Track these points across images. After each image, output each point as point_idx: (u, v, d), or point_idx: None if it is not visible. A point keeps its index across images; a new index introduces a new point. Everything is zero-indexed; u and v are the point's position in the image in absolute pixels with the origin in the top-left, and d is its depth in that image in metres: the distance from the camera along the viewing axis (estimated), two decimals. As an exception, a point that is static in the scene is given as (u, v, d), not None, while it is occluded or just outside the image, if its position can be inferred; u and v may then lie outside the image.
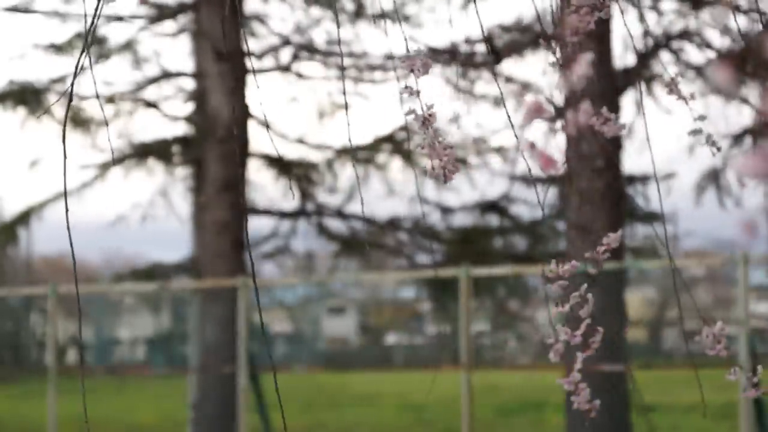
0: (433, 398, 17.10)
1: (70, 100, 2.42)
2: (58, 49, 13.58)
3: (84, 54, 2.28)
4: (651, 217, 13.99)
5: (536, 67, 13.69)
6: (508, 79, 13.16)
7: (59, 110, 13.44)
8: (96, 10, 2.26)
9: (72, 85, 2.38)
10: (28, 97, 13.35)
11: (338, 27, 9.35)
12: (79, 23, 13.71)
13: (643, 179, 13.65)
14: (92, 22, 2.28)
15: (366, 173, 14.56)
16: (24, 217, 13.85)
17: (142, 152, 13.87)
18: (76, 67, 2.33)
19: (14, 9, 13.76)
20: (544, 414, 16.28)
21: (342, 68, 14.52)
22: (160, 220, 14.43)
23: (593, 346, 2.24)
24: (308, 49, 14.39)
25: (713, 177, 13.63)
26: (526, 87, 13.52)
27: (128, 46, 13.69)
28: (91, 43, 2.27)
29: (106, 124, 13.79)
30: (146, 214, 14.24)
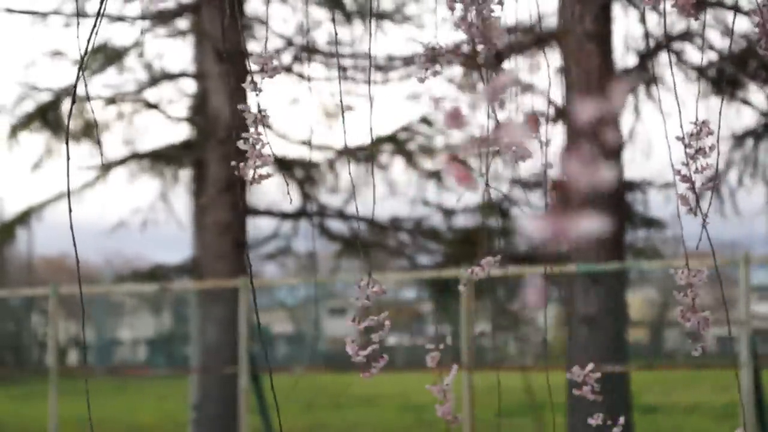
0: (433, 399, 17.08)
1: (74, 102, 2.42)
2: (65, 56, 13.61)
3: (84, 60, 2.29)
4: (651, 223, 13.99)
5: (537, 68, 13.67)
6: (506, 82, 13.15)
7: (63, 114, 13.46)
8: (98, 16, 2.27)
9: (75, 87, 2.38)
10: (48, 114, 13.37)
11: (333, 27, 9.35)
12: (83, 27, 13.69)
13: (642, 186, 13.63)
14: (94, 24, 2.29)
15: (367, 174, 14.56)
16: (24, 218, 13.85)
17: (143, 154, 13.88)
18: (80, 69, 2.33)
19: (20, 11, 13.77)
20: (545, 415, 16.26)
21: (342, 69, 14.51)
22: (161, 221, 14.44)
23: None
24: (310, 50, 14.39)
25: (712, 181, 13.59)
26: (527, 88, 13.47)
27: (130, 48, 13.69)
28: (89, 51, 2.28)
29: (96, 128, 13.78)
30: (147, 218, 14.26)
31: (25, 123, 13.43)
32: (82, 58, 2.31)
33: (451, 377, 2.33)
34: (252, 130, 2.27)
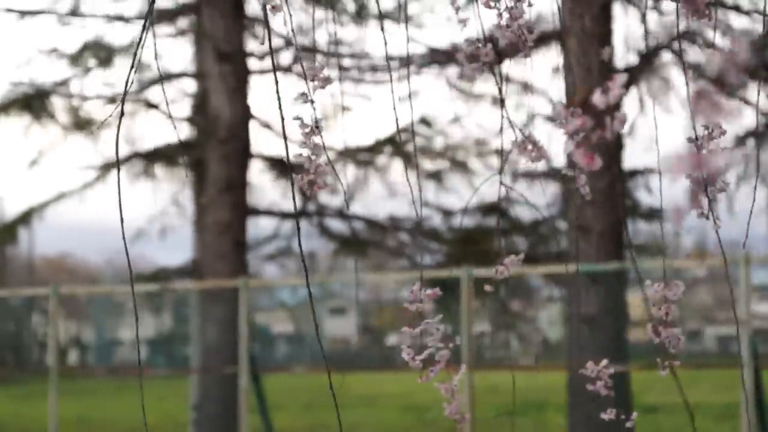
0: (434, 399, 17.08)
1: (68, 97, 2.42)
2: (68, 57, 13.60)
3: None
4: (652, 215, 13.97)
5: (539, 68, 13.69)
6: (509, 80, 13.15)
7: (62, 113, 13.45)
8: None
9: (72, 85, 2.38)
10: (33, 103, 13.35)
11: (333, 27, 9.34)
12: (84, 28, 13.75)
13: (645, 173, 13.60)
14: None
15: (366, 175, 14.56)
16: (25, 218, 13.84)
17: (143, 154, 13.88)
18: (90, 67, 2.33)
19: (19, 12, 13.76)
20: (546, 414, 16.29)
21: (342, 69, 14.50)
22: (161, 221, 14.43)
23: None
24: (310, 50, 14.38)
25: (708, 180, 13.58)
26: (527, 87, 13.49)
27: (130, 47, 13.69)
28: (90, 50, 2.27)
29: (87, 129, 13.77)
30: (156, 223, 14.27)
31: (6, 107, 13.38)
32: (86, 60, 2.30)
33: (459, 376, 2.33)
34: (307, 140, 2.26)
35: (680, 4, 2.25)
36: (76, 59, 13.59)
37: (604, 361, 2.28)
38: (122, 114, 2.27)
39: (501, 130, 2.08)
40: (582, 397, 9.52)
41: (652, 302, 2.27)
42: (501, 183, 2.48)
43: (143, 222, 14.27)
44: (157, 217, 14.41)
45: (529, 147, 2.13)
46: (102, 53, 13.67)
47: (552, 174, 13.44)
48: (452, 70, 13.71)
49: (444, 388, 2.29)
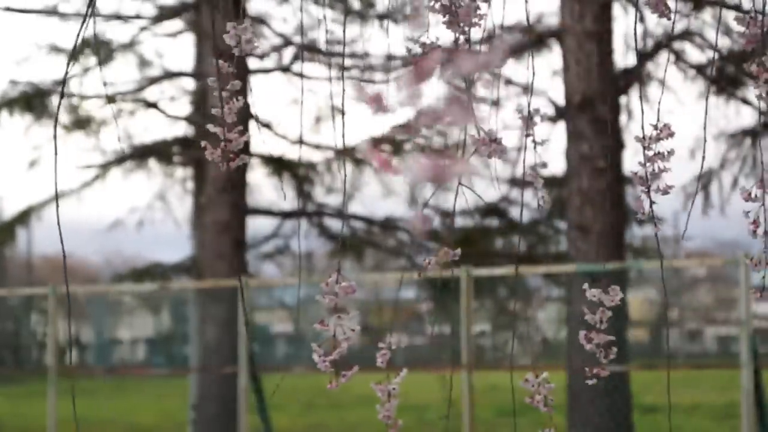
0: (433, 399, 17.09)
1: (62, 96, 2.41)
2: (62, 52, 13.58)
3: (72, 60, 2.27)
4: (651, 217, 13.94)
5: (538, 68, 13.68)
6: (508, 81, 13.14)
7: (62, 112, 13.43)
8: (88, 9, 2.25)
9: (64, 82, 2.37)
10: (33, 102, 13.34)
11: (333, 27, 9.32)
12: (80, 23, 13.70)
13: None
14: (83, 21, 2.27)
15: (365, 174, 14.55)
16: (23, 217, 13.82)
17: (142, 153, 13.87)
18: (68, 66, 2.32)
19: (17, 10, 13.75)
20: (545, 414, 16.20)
21: (343, 68, 14.49)
22: (161, 221, 14.43)
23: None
24: (309, 49, 14.38)
25: (706, 180, 13.58)
26: (526, 88, 13.47)
27: (130, 46, 13.68)
28: (80, 46, 2.26)
29: (97, 126, 13.76)
30: (146, 218, 14.25)
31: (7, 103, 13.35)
32: (70, 58, 2.29)
33: (399, 380, 2.29)
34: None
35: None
36: (75, 57, 13.58)
37: (610, 345, 2.23)
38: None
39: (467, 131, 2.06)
40: (581, 398, 9.51)
41: (587, 307, 2.23)
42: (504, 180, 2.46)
43: (140, 220, 14.26)
44: (155, 216, 14.39)
45: (489, 142, 2.11)
46: (103, 51, 13.66)
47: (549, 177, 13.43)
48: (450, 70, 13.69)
49: (379, 389, 2.24)
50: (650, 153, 2.22)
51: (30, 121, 13.45)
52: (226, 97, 2.03)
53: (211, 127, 2.02)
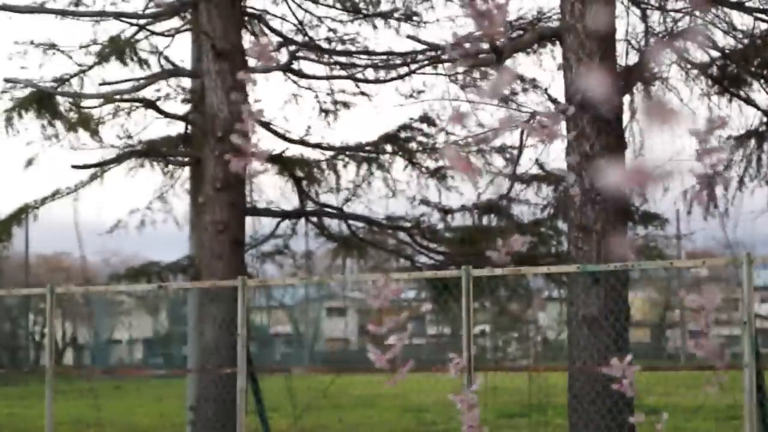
0: (433, 400, 17.02)
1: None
2: (60, 50, 13.53)
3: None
4: (650, 219, 13.89)
5: (541, 66, 13.61)
6: (520, 78, 13.10)
7: (61, 111, 13.37)
8: None
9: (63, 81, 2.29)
10: (43, 102, 13.26)
11: (333, 25, 9.24)
12: (82, 23, 13.67)
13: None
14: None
15: (368, 173, 14.48)
16: (19, 216, 13.72)
17: (141, 151, 13.79)
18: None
19: (17, 9, 13.67)
20: (546, 416, 16.19)
21: (344, 66, 14.40)
22: (160, 221, 14.37)
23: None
24: (309, 48, 14.30)
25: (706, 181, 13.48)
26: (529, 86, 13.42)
27: (128, 44, 13.60)
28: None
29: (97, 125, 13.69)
30: (145, 217, 14.20)
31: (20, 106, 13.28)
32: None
33: (476, 386, 2.22)
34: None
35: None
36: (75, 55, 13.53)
37: (629, 357, 2.16)
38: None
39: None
40: (583, 398, 9.45)
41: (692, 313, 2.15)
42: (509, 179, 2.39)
43: (139, 219, 14.21)
44: (155, 216, 14.34)
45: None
46: (102, 50, 13.59)
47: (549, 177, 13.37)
48: (454, 68, 13.63)
49: (459, 400, 2.17)
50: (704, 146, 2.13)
51: (30, 120, 13.38)
52: (225, 95, 1.97)
53: (211, 128, 1.96)
